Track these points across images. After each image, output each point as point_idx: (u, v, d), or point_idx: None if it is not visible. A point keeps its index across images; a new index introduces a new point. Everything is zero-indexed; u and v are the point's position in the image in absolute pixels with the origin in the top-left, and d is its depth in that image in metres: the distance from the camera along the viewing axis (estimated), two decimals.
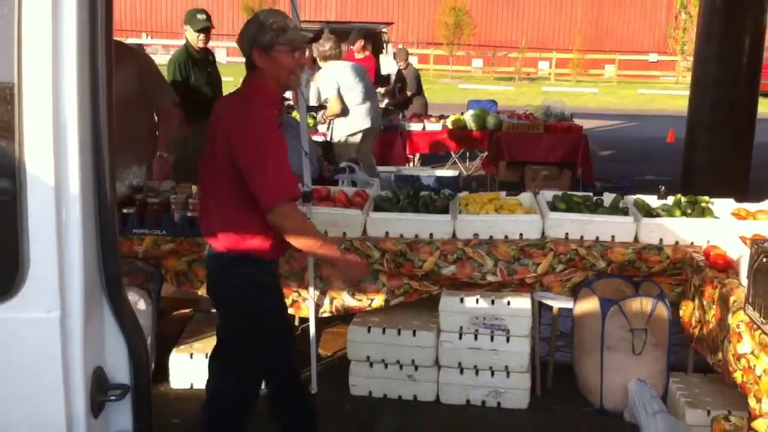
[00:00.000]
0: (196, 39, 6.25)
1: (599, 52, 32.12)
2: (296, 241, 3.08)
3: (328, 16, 20.26)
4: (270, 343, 3.25)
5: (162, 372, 4.51)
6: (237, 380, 3.25)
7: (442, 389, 4.39)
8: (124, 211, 4.38)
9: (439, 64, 30.61)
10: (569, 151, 8.80)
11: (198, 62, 6.31)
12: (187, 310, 5.25)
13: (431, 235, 4.35)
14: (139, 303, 4.28)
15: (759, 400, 2.97)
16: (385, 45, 12.11)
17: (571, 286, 4.35)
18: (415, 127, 9.17)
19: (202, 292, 4.44)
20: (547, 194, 4.79)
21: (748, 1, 8.73)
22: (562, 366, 4.59)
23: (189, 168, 6.10)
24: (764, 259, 2.98)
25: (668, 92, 25.73)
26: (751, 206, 4.53)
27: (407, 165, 8.86)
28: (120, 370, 1.66)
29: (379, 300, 4.39)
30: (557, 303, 4.44)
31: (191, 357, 4.51)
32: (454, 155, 10.42)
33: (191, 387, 4.48)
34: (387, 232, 4.37)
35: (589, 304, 4.28)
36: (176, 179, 5.97)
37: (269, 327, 3.23)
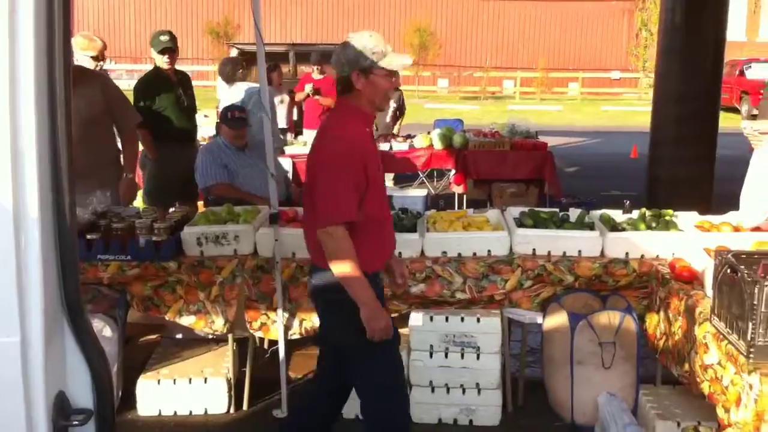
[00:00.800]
0: (161, 61, 6.22)
1: (563, 71, 32.51)
2: (333, 266, 3.14)
3: (294, 38, 20.31)
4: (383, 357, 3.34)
5: (129, 399, 4.45)
6: (380, 392, 3.38)
7: (413, 408, 4.31)
8: (89, 237, 4.32)
9: (405, 85, 30.63)
10: (535, 167, 8.88)
11: (165, 85, 6.25)
12: (154, 336, 5.19)
13: (399, 254, 4.34)
14: (104, 330, 4.22)
15: (727, 410, 2.99)
16: None
17: (539, 302, 4.37)
18: (382, 147, 9.18)
19: (169, 317, 4.39)
20: (514, 211, 4.82)
21: (706, 17, 8.90)
22: (532, 381, 4.60)
23: (157, 191, 6.14)
24: (728, 271, 3.01)
25: (631, 108, 26.10)
26: (714, 218, 4.59)
27: None
28: (83, 395, 1.64)
29: None
30: (526, 319, 4.46)
31: (159, 383, 4.45)
32: (421, 174, 10.42)
33: (159, 414, 4.43)
34: None
35: (557, 319, 4.29)
36: (147, 201, 5.94)
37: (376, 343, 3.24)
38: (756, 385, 2.75)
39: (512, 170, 8.83)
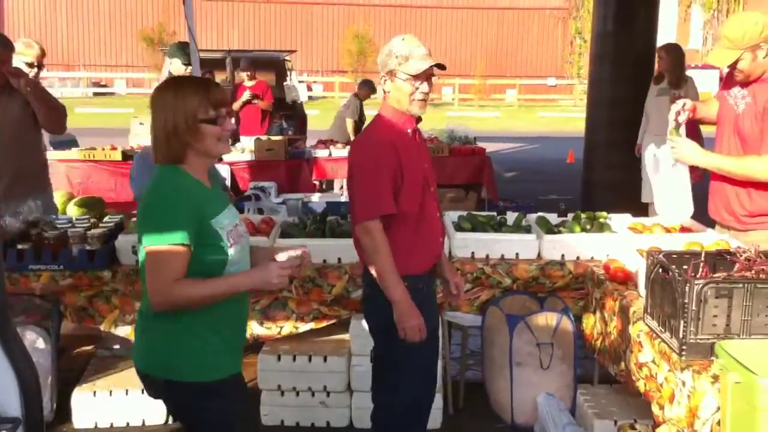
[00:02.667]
0: (183, 71, 6.34)
1: (500, 78, 32.95)
2: (369, 261, 3.23)
3: (231, 45, 20.11)
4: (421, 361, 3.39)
5: (64, 411, 4.34)
6: (393, 403, 3.40)
7: (355, 414, 4.36)
8: (19, 246, 4.21)
9: (345, 92, 30.78)
10: (474, 173, 8.98)
11: None
12: (89, 347, 5.08)
13: (339, 259, 4.34)
14: (37, 341, 4.13)
15: (661, 407, 3.06)
16: (288, 73, 12.11)
17: (479, 305, 4.41)
18: (321, 153, 9.17)
19: (104, 327, 4.30)
20: (453, 215, 4.85)
21: (637, 25, 9.13)
22: (473, 384, 4.63)
23: None
24: (660, 271, 3.08)
25: (567, 115, 26.58)
26: (646, 220, 4.70)
27: (314, 191, 8.84)
28: (10, 404, 1.60)
29: (288, 327, 4.34)
30: (466, 322, 4.49)
31: (95, 395, 4.36)
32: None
33: (95, 426, 4.33)
34: None
35: (496, 322, 4.34)
36: None
37: (419, 344, 3.26)
38: (688, 382, 2.81)
39: (451, 175, 8.91)
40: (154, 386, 2.73)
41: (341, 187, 9.37)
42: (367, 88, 11.09)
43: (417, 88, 3.23)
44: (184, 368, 2.64)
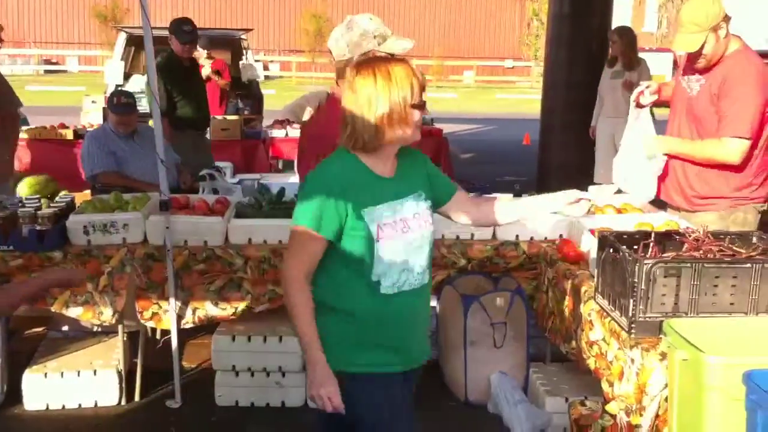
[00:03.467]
0: (182, 50, 6.37)
1: (458, 59, 32.99)
2: None
3: None
4: None
5: (15, 394, 4.28)
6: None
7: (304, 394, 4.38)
8: None
9: (302, 71, 30.59)
10: (430, 154, 8.95)
11: (179, 72, 6.37)
12: (40, 329, 5.01)
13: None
14: None
15: (611, 384, 3.11)
16: (245, 52, 11.96)
17: (434, 285, 4.42)
18: (277, 133, 9.11)
19: (55, 308, 4.23)
20: None
21: (593, 7, 9.20)
22: (428, 363, 4.64)
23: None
24: (611, 250, 3.12)
25: (524, 96, 26.74)
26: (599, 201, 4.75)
27: (271, 171, 8.78)
28: None
29: (243, 308, 4.31)
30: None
31: (46, 377, 4.30)
32: None
33: (47, 408, 4.28)
34: (250, 239, 4.31)
35: (451, 302, 4.37)
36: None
37: None
38: (637, 359, 2.86)
39: None
40: None
41: None
42: None
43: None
44: (331, 357, 2.52)
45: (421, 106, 2.52)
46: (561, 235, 4.34)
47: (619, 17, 11.01)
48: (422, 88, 2.52)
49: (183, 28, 6.42)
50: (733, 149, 3.80)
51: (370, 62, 2.57)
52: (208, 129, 7.39)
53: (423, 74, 2.57)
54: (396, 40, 3.16)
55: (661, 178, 4.20)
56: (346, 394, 2.48)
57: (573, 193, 2.85)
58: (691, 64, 4.00)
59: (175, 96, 6.42)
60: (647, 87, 4.21)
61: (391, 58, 2.59)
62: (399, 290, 2.55)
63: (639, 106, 4.26)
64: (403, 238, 2.54)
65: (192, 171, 5.93)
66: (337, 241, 2.50)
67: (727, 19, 3.78)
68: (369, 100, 2.47)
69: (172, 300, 4.24)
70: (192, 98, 6.54)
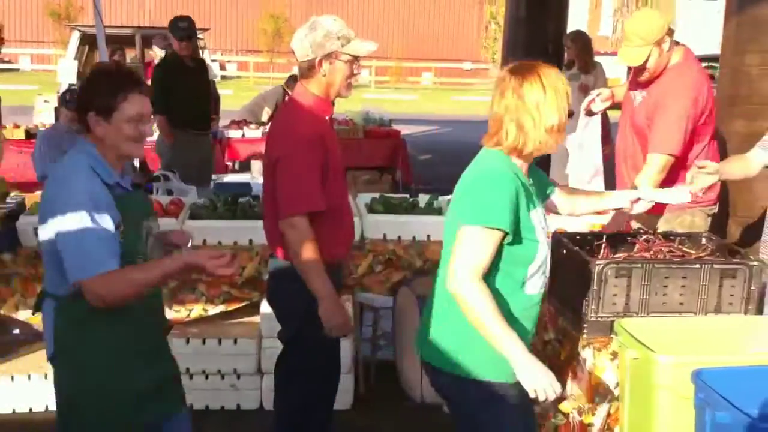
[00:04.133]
0: (179, 47, 6.29)
1: (417, 61, 33.07)
2: (295, 258, 3.08)
3: (143, 21, 19.60)
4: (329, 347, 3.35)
5: None
6: (303, 391, 3.33)
7: (265, 396, 4.35)
8: None
9: (259, 72, 30.39)
10: (389, 155, 9.01)
11: (182, 71, 6.30)
12: None
13: (251, 241, 4.30)
14: None
15: (564, 384, 3.14)
16: (201, 51, 11.84)
17: (390, 286, 4.44)
18: (234, 134, 9.05)
19: (5, 311, 4.17)
20: (365, 197, 4.86)
21: (549, 11, 9.29)
22: (384, 364, 4.67)
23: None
24: (564, 251, 3.16)
25: (482, 99, 26.86)
26: None
27: (227, 172, 8.72)
28: None
29: (197, 310, 4.28)
30: (378, 303, 4.52)
31: (12, 380, 4.22)
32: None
33: (14, 412, 4.21)
34: (204, 240, 4.27)
35: (407, 303, 4.37)
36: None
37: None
38: (589, 359, 2.90)
39: (366, 158, 8.91)
40: (438, 378, 2.66)
41: (260, 170, 9.21)
42: (294, 82, 10.94)
43: (354, 71, 3.18)
44: (472, 365, 2.51)
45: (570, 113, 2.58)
46: None
47: (575, 21, 11.16)
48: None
49: (178, 24, 6.35)
50: (654, 165, 3.81)
51: (532, 68, 2.55)
52: (210, 128, 7.31)
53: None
54: (360, 42, 3.16)
55: (616, 182, 4.25)
56: (487, 408, 2.56)
57: (635, 193, 3.10)
58: (635, 77, 4.04)
59: (175, 95, 6.28)
60: (598, 95, 4.27)
61: (545, 65, 2.58)
62: (536, 293, 2.64)
63: (589, 113, 4.31)
64: (547, 240, 2.65)
65: (193, 170, 5.92)
66: (507, 242, 2.50)
67: (671, 32, 3.82)
68: (538, 107, 2.48)
69: None
70: (193, 97, 6.42)
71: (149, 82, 6.69)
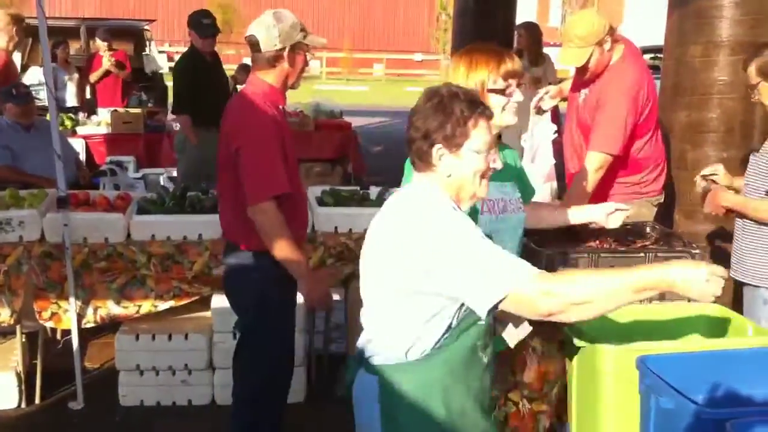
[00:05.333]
0: (203, 44, 6.19)
1: (368, 52, 33.04)
2: (270, 242, 3.09)
3: (88, 13, 19.23)
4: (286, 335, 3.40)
5: None
6: (262, 378, 3.34)
7: (217, 391, 4.32)
8: None
9: None
10: (340, 147, 8.97)
11: (203, 67, 6.19)
12: None
13: (200, 235, 4.26)
14: None
15: (514, 373, 3.16)
16: (148, 43, 11.69)
17: (342, 279, 4.43)
18: None
19: None
20: (316, 190, 4.85)
21: (497, 2, 9.35)
22: (337, 357, 4.67)
23: (196, 174, 5.84)
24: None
25: None
26: None
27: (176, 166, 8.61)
28: None
29: (147, 306, 4.23)
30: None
31: None
32: None
33: None
34: (153, 235, 4.22)
35: (358, 295, 4.37)
36: (185, 184, 5.79)
37: (285, 319, 3.32)
38: (538, 348, 2.94)
39: (317, 150, 8.86)
40: None
41: None
42: (246, 72, 10.83)
43: (308, 62, 3.27)
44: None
45: (501, 91, 2.60)
46: None
47: (524, 12, 11.24)
48: (510, 74, 2.60)
49: (203, 21, 6.23)
50: (592, 163, 3.85)
51: (463, 51, 2.69)
52: None
53: (513, 59, 2.64)
54: (313, 35, 3.25)
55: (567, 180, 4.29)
56: None
57: (611, 205, 3.15)
58: (577, 76, 4.08)
59: (199, 93, 6.16)
60: (546, 93, 4.31)
61: (485, 47, 2.67)
62: None
63: (539, 112, 4.36)
64: (499, 217, 2.67)
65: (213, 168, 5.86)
66: None
67: (611, 31, 3.86)
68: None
69: (72, 299, 4.13)
70: (216, 94, 6.27)
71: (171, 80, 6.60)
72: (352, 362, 2.38)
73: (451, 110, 2.14)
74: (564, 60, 3.98)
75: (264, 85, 3.22)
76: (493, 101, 2.57)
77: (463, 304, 2.10)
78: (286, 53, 3.14)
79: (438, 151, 2.14)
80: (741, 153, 4.63)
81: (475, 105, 2.16)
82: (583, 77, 3.98)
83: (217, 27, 6.38)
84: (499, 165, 2.22)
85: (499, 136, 2.70)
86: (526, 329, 2.44)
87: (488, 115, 2.19)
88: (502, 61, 2.61)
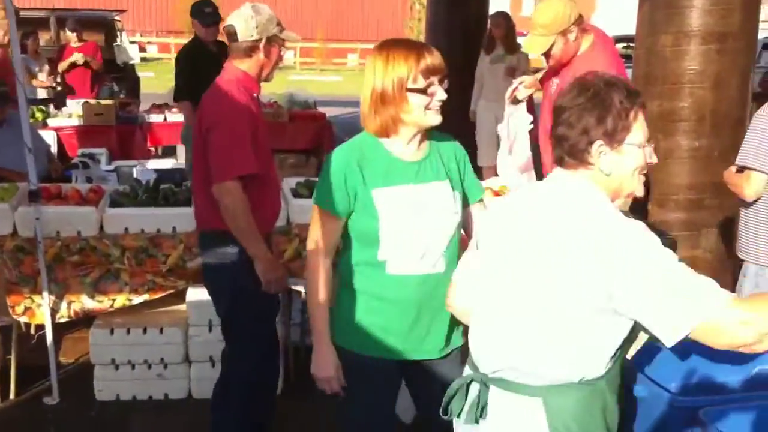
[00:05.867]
0: (205, 33, 6.19)
1: (341, 42, 32.92)
2: (229, 221, 3.17)
3: (56, 3, 18.95)
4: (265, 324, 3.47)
5: None
6: (247, 361, 3.41)
7: (194, 384, 4.31)
8: None
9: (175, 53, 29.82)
10: (314, 138, 8.94)
11: (206, 56, 6.11)
12: None
13: (174, 228, 4.23)
14: None
15: None
16: (119, 33, 11.57)
17: None
18: (155, 118, 8.86)
19: None
20: (291, 181, 4.83)
21: None
22: (305, 350, 4.66)
23: None
24: None
25: None
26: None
27: (150, 158, 8.54)
28: None
29: (121, 300, 4.20)
30: (305, 288, 4.50)
31: None
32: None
33: None
34: (126, 229, 4.19)
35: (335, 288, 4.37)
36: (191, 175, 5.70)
37: (262, 306, 3.39)
38: None
39: (292, 141, 8.83)
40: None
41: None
42: None
43: (282, 56, 3.37)
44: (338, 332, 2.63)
45: (422, 90, 2.42)
46: None
47: (497, 3, 11.24)
48: (430, 71, 2.42)
49: (204, 10, 6.23)
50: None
51: (378, 46, 2.54)
52: None
53: (434, 58, 2.45)
54: (290, 31, 3.38)
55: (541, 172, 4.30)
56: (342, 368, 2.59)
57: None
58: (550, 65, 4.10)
59: (201, 82, 6.08)
60: (521, 82, 4.32)
61: (405, 41, 2.54)
62: (407, 273, 2.48)
63: (514, 102, 4.37)
64: (418, 221, 2.46)
65: None
66: (349, 220, 2.50)
67: (579, 21, 3.87)
68: (366, 82, 2.49)
69: (45, 294, 4.09)
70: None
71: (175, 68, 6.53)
72: (472, 383, 2.14)
73: (610, 102, 1.97)
74: (527, 47, 4.03)
75: (239, 72, 3.29)
76: (414, 102, 2.41)
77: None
78: (262, 44, 3.23)
79: (599, 148, 1.97)
80: (712, 141, 4.70)
81: (634, 95, 2.01)
82: (549, 64, 4.01)
83: (219, 15, 6.32)
84: (655, 159, 2.06)
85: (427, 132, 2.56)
86: None
87: (645, 105, 2.06)
88: (421, 57, 2.41)
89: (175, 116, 8.90)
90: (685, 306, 1.82)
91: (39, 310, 4.16)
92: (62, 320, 4.24)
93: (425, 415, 2.71)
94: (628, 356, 2.26)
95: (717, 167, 4.73)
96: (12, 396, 4.27)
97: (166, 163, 7.24)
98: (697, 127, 4.65)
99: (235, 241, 3.22)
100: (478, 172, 7.70)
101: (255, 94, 3.36)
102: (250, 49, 3.24)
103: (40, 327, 4.33)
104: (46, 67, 9.59)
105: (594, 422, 2.00)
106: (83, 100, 8.41)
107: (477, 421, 2.10)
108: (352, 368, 2.58)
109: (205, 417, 3.96)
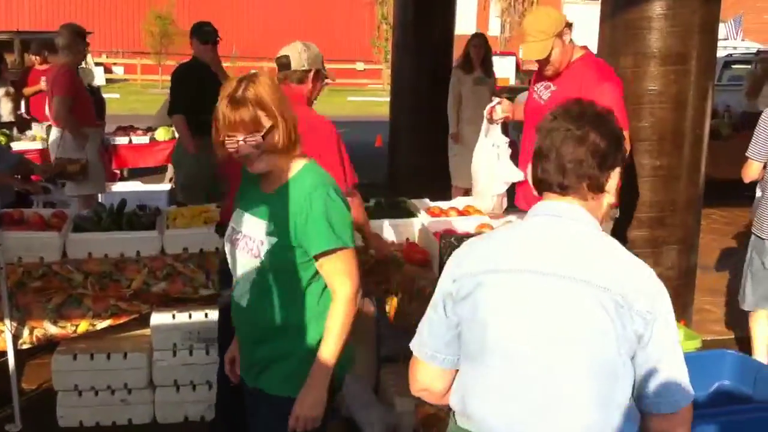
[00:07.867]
0: (203, 51, 6.21)
1: None
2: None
3: (21, 25, 18.79)
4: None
5: None
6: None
7: (158, 409, 4.26)
8: None
9: (148, 74, 29.67)
10: None
11: (204, 75, 6.11)
12: None
13: (138, 252, 4.20)
14: None
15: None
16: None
17: None
18: (121, 140, 8.80)
19: None
20: None
21: (435, 14, 9.41)
22: None
23: (195, 186, 5.83)
24: (451, 252, 3.21)
25: (376, 99, 27.04)
26: (443, 204, 4.89)
27: (115, 181, 8.48)
28: None
29: (84, 325, 4.16)
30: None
31: None
32: (171, 168, 10.09)
33: None
34: (90, 253, 4.15)
35: None
36: (182, 197, 5.86)
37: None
38: None
39: None
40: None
41: (170, 179, 8.74)
42: None
43: (322, 89, 3.73)
44: None
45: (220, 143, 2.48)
46: (407, 239, 4.43)
47: (463, 22, 11.34)
48: (230, 126, 2.45)
49: (203, 28, 6.29)
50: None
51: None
52: None
53: (233, 114, 2.47)
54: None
55: (517, 187, 4.31)
56: None
57: None
58: (540, 73, 4.10)
59: (201, 100, 6.02)
60: (498, 103, 4.34)
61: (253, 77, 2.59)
62: (235, 300, 2.60)
63: (491, 121, 4.39)
64: (237, 251, 2.57)
65: (214, 177, 5.75)
66: None
67: (569, 25, 3.93)
68: None
69: (7, 320, 4.04)
70: (214, 102, 6.15)
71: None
72: None
73: (615, 127, 1.93)
74: (527, 54, 3.94)
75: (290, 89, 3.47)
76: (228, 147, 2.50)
77: None
78: (311, 75, 3.54)
79: (614, 174, 1.93)
80: (673, 160, 4.77)
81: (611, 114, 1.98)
82: (546, 72, 3.97)
83: (217, 34, 6.37)
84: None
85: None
86: None
87: None
88: (225, 115, 2.50)
89: (140, 138, 8.86)
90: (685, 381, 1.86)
91: (0, 337, 4.09)
92: (24, 346, 4.17)
93: None
94: None
95: (677, 185, 4.83)
96: None
97: (134, 186, 7.20)
98: (658, 146, 4.73)
99: None
100: (448, 190, 7.75)
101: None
102: (303, 77, 3.52)
103: (2, 353, 4.25)
104: (11, 90, 9.48)
105: None
106: (47, 124, 8.31)
107: None
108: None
109: None
